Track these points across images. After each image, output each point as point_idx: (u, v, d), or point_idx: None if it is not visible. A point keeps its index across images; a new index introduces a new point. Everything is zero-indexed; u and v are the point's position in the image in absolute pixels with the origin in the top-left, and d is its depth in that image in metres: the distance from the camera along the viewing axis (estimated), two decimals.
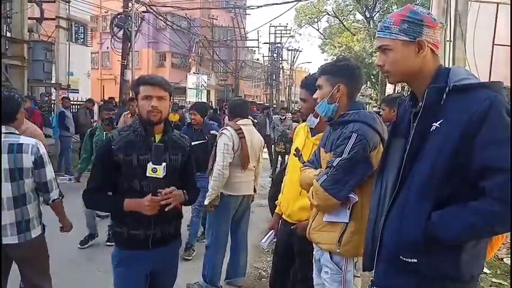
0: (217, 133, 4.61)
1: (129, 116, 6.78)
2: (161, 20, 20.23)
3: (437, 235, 1.32)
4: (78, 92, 15.06)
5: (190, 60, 27.87)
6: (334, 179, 1.89)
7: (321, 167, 2.09)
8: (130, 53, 14.83)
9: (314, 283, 2.23)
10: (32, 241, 2.52)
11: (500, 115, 1.27)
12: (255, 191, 3.86)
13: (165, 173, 1.99)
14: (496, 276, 3.98)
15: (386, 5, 29.23)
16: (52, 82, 11.75)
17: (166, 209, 2.02)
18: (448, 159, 1.31)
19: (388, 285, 1.50)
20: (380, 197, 1.57)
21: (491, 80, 6.04)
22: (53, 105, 12.00)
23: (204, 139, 4.55)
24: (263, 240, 2.76)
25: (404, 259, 1.40)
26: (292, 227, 2.46)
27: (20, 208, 2.45)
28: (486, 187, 1.25)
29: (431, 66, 1.45)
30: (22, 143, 2.43)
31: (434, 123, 1.36)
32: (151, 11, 16.52)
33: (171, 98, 2.18)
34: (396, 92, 12.32)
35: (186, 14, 23.86)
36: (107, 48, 21.02)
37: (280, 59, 40.13)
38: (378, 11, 30.40)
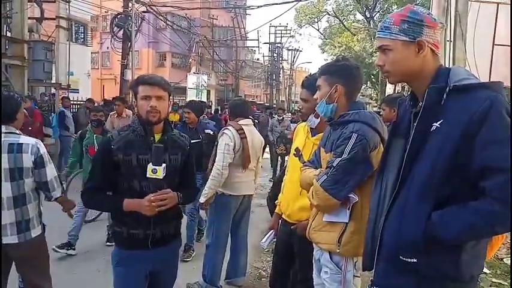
0: (211, 132, 4.60)
1: (115, 116, 6.60)
2: (161, 19, 20.24)
3: (437, 235, 1.32)
4: (78, 92, 15.06)
5: (190, 60, 27.89)
6: (334, 179, 1.89)
7: (321, 167, 2.09)
8: (130, 52, 14.84)
9: (314, 283, 2.23)
10: (32, 241, 2.52)
11: (501, 115, 1.27)
12: None
13: (165, 174, 2.00)
14: (496, 276, 3.98)
15: (386, 5, 29.25)
16: (52, 82, 11.75)
17: (157, 210, 2.03)
18: (448, 159, 1.31)
19: (387, 285, 1.50)
20: (380, 197, 1.57)
21: (491, 80, 6.04)
22: (53, 105, 12.00)
23: (199, 138, 4.49)
24: (263, 240, 2.76)
25: (404, 259, 1.40)
26: (292, 227, 2.46)
27: (19, 208, 2.45)
28: (486, 187, 1.25)
29: (432, 66, 1.45)
30: (22, 143, 2.43)
31: (434, 123, 1.36)
32: (152, 10, 16.53)
33: (171, 97, 2.18)
34: (396, 92, 12.32)
35: (186, 14, 23.86)
36: (107, 48, 21.01)
37: (280, 59, 40.18)
38: (378, 11, 30.41)
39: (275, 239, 2.75)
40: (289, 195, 2.54)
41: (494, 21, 8.49)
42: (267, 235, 2.75)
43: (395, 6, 25.75)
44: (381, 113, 3.92)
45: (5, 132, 2.41)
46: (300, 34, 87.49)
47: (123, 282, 2.16)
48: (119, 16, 14.87)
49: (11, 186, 2.40)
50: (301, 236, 2.26)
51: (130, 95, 13.20)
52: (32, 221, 2.52)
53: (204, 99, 23.53)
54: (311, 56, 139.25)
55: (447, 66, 1.70)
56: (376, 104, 25.15)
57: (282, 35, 37.97)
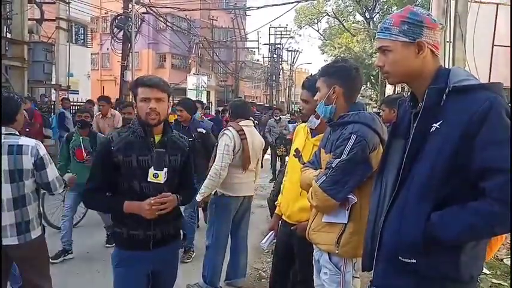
0: (204, 131, 4.57)
1: (100, 117, 6.44)
2: (161, 21, 20.25)
3: (436, 236, 1.32)
4: (78, 93, 15.06)
5: (190, 61, 27.89)
6: (333, 180, 1.89)
7: (321, 168, 2.09)
8: (130, 54, 14.84)
9: (314, 284, 2.23)
10: (32, 242, 2.53)
11: (500, 116, 1.27)
12: None
13: (166, 179, 2.02)
14: (496, 276, 3.97)
15: (386, 6, 29.29)
16: (52, 83, 11.75)
17: (157, 213, 2.04)
18: (447, 160, 1.31)
19: (387, 285, 1.50)
20: (380, 197, 1.57)
21: (491, 80, 6.07)
22: (53, 106, 12.00)
23: (191, 137, 4.36)
24: (263, 241, 2.76)
25: (403, 259, 1.40)
26: (292, 228, 2.46)
27: (19, 209, 2.45)
28: (486, 188, 1.25)
29: (431, 67, 1.45)
30: (22, 145, 2.43)
31: (434, 124, 1.37)
32: (152, 12, 16.54)
33: (170, 98, 2.18)
34: (396, 92, 12.32)
35: (186, 15, 23.87)
36: (107, 49, 21.04)
37: (280, 59, 40.21)
38: (378, 12, 30.45)
39: (275, 240, 2.75)
40: (289, 196, 2.54)
41: (494, 21, 8.49)
42: (267, 236, 2.75)
43: (395, 7, 25.79)
44: (380, 114, 3.92)
45: (5, 134, 2.41)
46: (300, 35, 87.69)
47: (123, 283, 2.16)
48: (118, 17, 14.87)
49: (11, 187, 2.40)
50: (301, 237, 2.27)
51: (130, 96, 13.22)
52: (32, 222, 2.52)
53: (204, 100, 23.55)
54: (311, 57, 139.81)
55: (447, 67, 1.70)
56: (375, 105, 25.17)
57: (282, 36, 38.03)
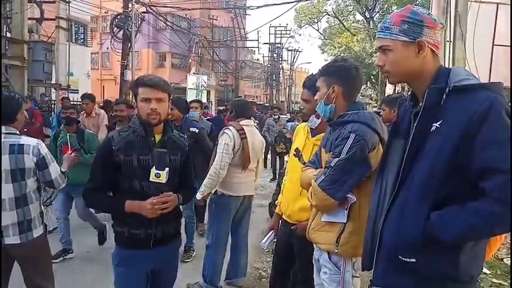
0: (197, 130, 4.55)
1: (84, 115, 6.26)
2: (161, 20, 20.27)
3: (435, 235, 1.32)
4: (78, 93, 15.02)
5: (190, 60, 27.90)
6: (332, 179, 1.89)
7: (322, 167, 2.10)
8: (130, 53, 14.86)
9: (315, 283, 2.23)
10: (34, 241, 2.53)
11: (500, 116, 1.27)
12: None
13: (167, 178, 2.03)
14: (496, 276, 3.97)
15: (386, 6, 29.26)
16: (52, 82, 11.76)
17: (159, 212, 2.05)
18: (447, 159, 1.32)
19: (387, 284, 1.50)
20: (380, 196, 1.57)
21: (491, 80, 6.06)
22: (53, 105, 12.01)
23: None
24: (263, 241, 2.76)
25: (403, 259, 1.40)
26: (292, 227, 2.46)
27: (21, 208, 2.46)
28: (486, 188, 1.25)
29: (432, 66, 1.45)
30: (23, 144, 2.44)
31: (434, 124, 1.37)
32: (151, 11, 16.54)
33: (171, 98, 2.19)
34: (396, 92, 12.32)
35: (186, 15, 23.90)
36: (107, 48, 21.05)
37: (280, 59, 40.18)
38: (378, 12, 30.43)
39: (275, 240, 2.75)
40: (289, 195, 2.54)
41: (494, 21, 8.49)
42: (267, 235, 2.76)
43: (395, 7, 25.77)
44: (380, 114, 3.92)
45: (6, 133, 2.41)
46: (300, 34, 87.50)
47: (124, 282, 2.17)
48: (118, 17, 14.88)
49: (13, 187, 2.41)
50: (301, 237, 2.27)
51: (131, 95, 13.22)
52: (33, 221, 2.53)
53: (204, 99, 23.55)
54: (311, 56, 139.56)
55: (447, 66, 1.70)
56: (376, 105, 25.15)
57: (282, 35, 38.00)
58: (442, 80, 1.41)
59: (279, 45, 38.62)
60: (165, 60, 29.01)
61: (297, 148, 2.50)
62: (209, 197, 3.62)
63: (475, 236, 1.36)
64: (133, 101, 2.36)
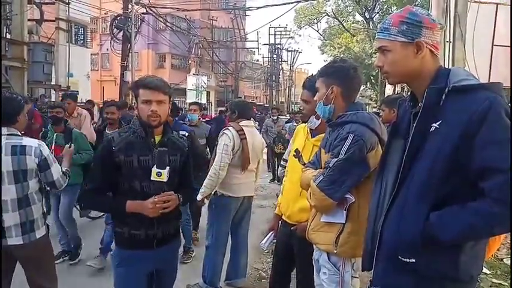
0: (187, 134, 4.53)
1: (65, 116, 6.21)
2: (161, 21, 20.24)
3: (435, 235, 1.32)
4: (77, 94, 15.05)
5: (190, 61, 27.93)
6: (331, 179, 1.90)
7: (322, 168, 2.10)
8: (130, 54, 14.86)
9: (315, 284, 2.23)
10: (36, 241, 2.53)
11: (500, 116, 1.27)
12: None
13: (168, 177, 2.04)
14: (496, 276, 3.97)
15: (385, 6, 29.26)
16: (52, 83, 11.75)
17: (160, 212, 2.06)
18: (447, 159, 1.32)
19: (386, 284, 1.50)
20: (380, 197, 1.57)
21: (490, 80, 6.07)
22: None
23: None
24: (263, 241, 2.76)
25: (403, 259, 1.40)
26: (292, 228, 2.46)
27: (24, 209, 2.46)
28: (485, 188, 1.25)
29: (431, 67, 1.45)
30: (25, 145, 2.44)
31: (433, 124, 1.37)
32: (151, 12, 16.54)
33: (171, 99, 2.19)
34: (396, 92, 12.32)
35: (185, 15, 23.89)
36: (107, 49, 21.06)
37: (280, 60, 40.22)
38: (378, 12, 30.42)
39: (275, 240, 2.75)
40: (289, 196, 2.54)
41: (494, 21, 8.48)
42: (267, 236, 2.76)
43: (395, 7, 25.77)
44: (380, 114, 3.92)
45: (8, 134, 2.41)
46: (300, 35, 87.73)
47: (124, 282, 2.17)
48: (118, 18, 14.89)
49: (15, 188, 2.41)
50: (301, 237, 2.27)
51: (130, 96, 13.23)
52: (36, 221, 2.53)
53: (204, 100, 23.56)
54: (311, 57, 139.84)
55: (447, 66, 1.70)
56: (375, 105, 25.17)
57: (282, 36, 38.04)
58: (441, 80, 1.41)
59: (279, 46, 38.66)
60: (164, 61, 29.02)
61: (297, 149, 2.50)
62: (209, 198, 3.62)
63: (475, 236, 1.36)
64: (134, 101, 2.36)
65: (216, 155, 3.50)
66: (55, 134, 4.11)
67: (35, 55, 10.62)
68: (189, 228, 4.68)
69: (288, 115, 15.57)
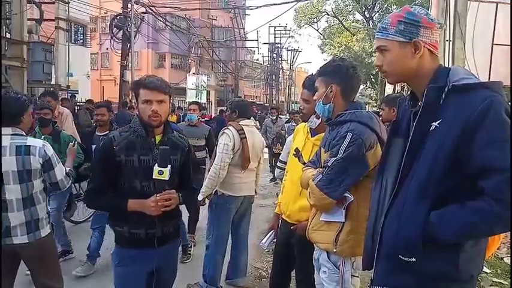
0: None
1: None
2: (160, 20, 20.25)
3: (435, 235, 1.32)
4: (77, 93, 15.06)
5: (189, 60, 27.86)
6: (329, 178, 1.90)
7: (322, 167, 2.10)
8: (129, 53, 14.85)
9: (315, 283, 2.23)
10: (41, 240, 2.54)
11: (500, 115, 1.27)
12: (255, 192, 3.85)
13: (170, 175, 2.04)
14: (496, 275, 3.98)
15: (385, 5, 29.22)
16: (52, 83, 11.75)
17: (162, 210, 2.06)
18: (447, 158, 1.32)
19: (387, 283, 1.50)
20: (380, 196, 1.57)
21: (490, 79, 6.06)
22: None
23: None
24: (263, 241, 2.76)
25: (403, 258, 1.40)
26: (292, 227, 2.46)
27: (29, 209, 2.47)
28: (485, 187, 1.25)
29: (430, 66, 1.45)
30: (30, 145, 2.44)
31: (433, 123, 1.37)
32: (151, 11, 16.53)
33: (171, 99, 2.20)
34: (396, 91, 12.29)
35: (185, 15, 23.88)
36: (107, 49, 21.05)
37: (280, 59, 40.22)
38: (377, 11, 30.40)
39: (275, 240, 2.75)
40: (289, 195, 2.54)
41: (494, 20, 8.47)
42: (267, 235, 2.76)
43: (395, 6, 25.74)
44: (380, 113, 3.92)
45: (12, 134, 2.42)
46: (300, 34, 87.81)
47: (124, 281, 2.17)
48: (118, 17, 14.86)
49: (20, 188, 2.42)
50: (301, 236, 2.27)
51: (130, 96, 13.23)
52: (41, 221, 2.54)
53: (204, 100, 23.53)
54: (310, 56, 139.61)
55: (446, 66, 1.70)
56: (375, 104, 25.14)
57: (282, 35, 38.05)
58: (441, 79, 1.41)
59: (279, 45, 38.66)
60: (164, 60, 29.00)
61: (297, 148, 2.50)
62: (210, 198, 3.62)
63: (475, 235, 1.36)
64: (134, 101, 2.37)
65: (216, 154, 3.51)
66: (42, 136, 3.92)
67: (34, 55, 10.61)
68: (183, 227, 4.66)
69: (287, 114, 15.52)
